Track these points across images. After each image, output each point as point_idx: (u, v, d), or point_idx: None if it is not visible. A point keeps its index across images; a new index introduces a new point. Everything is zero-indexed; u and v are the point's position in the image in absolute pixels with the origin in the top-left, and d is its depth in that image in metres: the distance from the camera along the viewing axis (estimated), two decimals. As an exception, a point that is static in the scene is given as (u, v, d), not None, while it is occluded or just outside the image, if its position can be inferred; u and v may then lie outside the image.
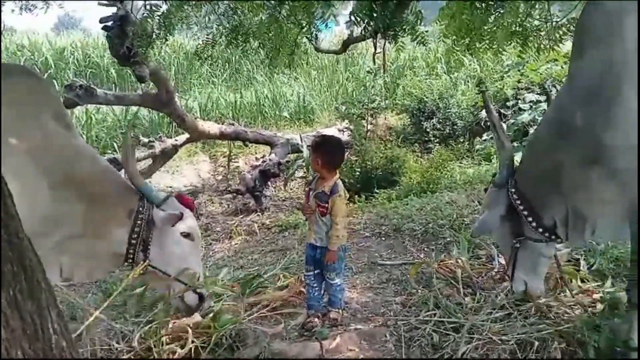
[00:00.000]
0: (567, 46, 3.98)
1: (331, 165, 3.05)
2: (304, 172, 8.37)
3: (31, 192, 2.39)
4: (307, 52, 12.15)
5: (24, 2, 6.14)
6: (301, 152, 8.16)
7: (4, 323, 1.33)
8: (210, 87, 13.22)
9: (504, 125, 7.19)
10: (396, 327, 2.94)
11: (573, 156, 2.33)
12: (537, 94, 8.16)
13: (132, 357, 2.73)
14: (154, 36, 4.96)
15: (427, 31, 4.37)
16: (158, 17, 4.81)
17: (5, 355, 1.33)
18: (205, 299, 2.89)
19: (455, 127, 9.55)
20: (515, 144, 6.90)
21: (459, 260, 3.59)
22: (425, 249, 4.30)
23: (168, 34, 4.89)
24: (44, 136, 2.56)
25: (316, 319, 3.07)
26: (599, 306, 2.88)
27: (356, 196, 6.70)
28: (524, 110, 7.98)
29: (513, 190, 2.63)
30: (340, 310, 3.16)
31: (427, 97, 9.96)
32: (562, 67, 8.00)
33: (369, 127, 9.33)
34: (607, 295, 2.88)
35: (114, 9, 5.83)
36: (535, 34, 4.20)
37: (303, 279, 3.43)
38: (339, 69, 14.14)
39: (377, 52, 4.57)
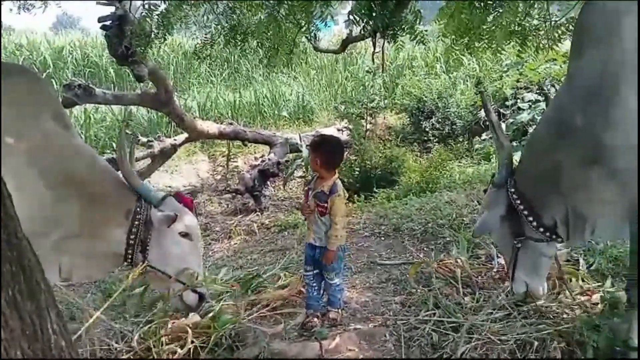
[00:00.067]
0: (566, 45, 3.97)
1: (330, 165, 3.04)
2: (303, 172, 8.37)
3: (30, 192, 2.40)
4: (306, 52, 12.16)
5: (22, 1, 6.13)
6: (300, 151, 8.16)
7: (3, 323, 1.33)
8: (209, 86, 13.21)
9: (503, 125, 7.20)
10: (395, 326, 2.94)
11: (572, 156, 2.33)
12: (536, 93, 8.16)
13: (132, 357, 2.73)
14: (153, 35, 4.94)
15: (426, 30, 4.37)
16: (156, 17, 4.80)
17: (4, 355, 1.33)
18: (205, 298, 2.89)
19: (454, 126, 9.55)
20: (514, 143, 6.92)
21: (459, 260, 3.59)
22: (425, 248, 4.30)
23: (167, 34, 4.88)
24: (43, 136, 2.56)
25: (315, 319, 3.07)
26: (599, 306, 2.88)
27: (355, 196, 6.70)
28: (523, 109, 7.98)
29: (513, 190, 2.63)
30: (340, 310, 3.16)
31: (426, 97, 9.96)
32: (561, 67, 8.00)
33: (368, 126, 9.33)
34: (606, 295, 2.88)
35: (112, 9, 5.82)
36: (534, 34, 4.20)
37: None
38: (338, 69, 14.14)
39: (376, 51, 4.56)
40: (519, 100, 8.26)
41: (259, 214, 7.43)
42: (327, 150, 3.07)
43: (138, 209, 2.69)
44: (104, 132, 10.14)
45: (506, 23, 4.10)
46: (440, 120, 9.63)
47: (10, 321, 1.35)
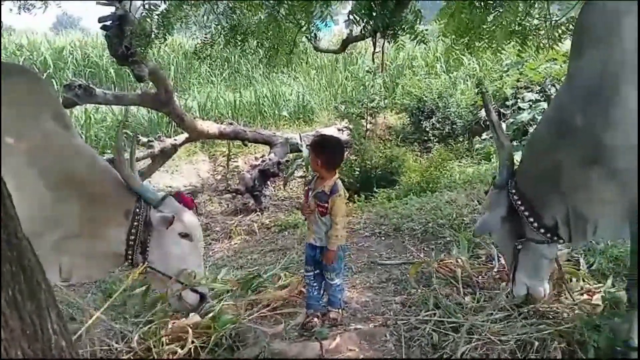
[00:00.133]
0: (566, 45, 3.97)
1: (331, 165, 3.04)
2: (304, 172, 8.37)
3: (30, 192, 2.40)
4: (306, 52, 12.15)
5: (22, 1, 6.13)
6: (300, 151, 8.16)
7: (3, 323, 1.33)
8: (209, 86, 13.21)
9: (503, 125, 7.20)
10: (396, 326, 2.94)
11: (573, 156, 2.33)
12: (537, 93, 8.16)
13: (132, 358, 2.72)
14: (153, 36, 4.94)
15: (426, 30, 4.37)
16: (157, 17, 4.80)
17: (4, 355, 1.33)
18: (206, 298, 2.89)
19: (454, 126, 9.55)
20: (514, 143, 6.92)
21: (459, 260, 3.59)
22: (425, 248, 4.30)
23: (167, 34, 4.88)
24: (43, 136, 2.56)
25: (316, 319, 3.07)
26: (600, 306, 2.88)
27: (355, 196, 6.69)
28: (523, 109, 7.98)
29: (513, 191, 2.62)
30: (340, 310, 3.16)
31: (426, 97, 9.96)
32: (562, 66, 8.00)
33: (369, 126, 9.33)
34: (607, 295, 2.88)
35: (112, 9, 5.82)
36: (534, 33, 4.20)
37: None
38: (338, 68, 14.13)
39: (376, 51, 4.56)
40: (519, 100, 8.26)
41: (259, 214, 7.43)
42: (327, 151, 3.06)
43: (137, 210, 2.69)
44: (104, 132, 10.15)
45: (506, 23, 4.09)
46: (440, 120, 9.63)
47: (11, 321, 1.35)
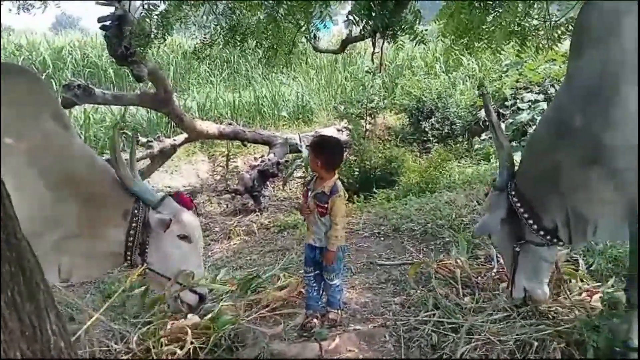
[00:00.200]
0: (565, 46, 3.97)
1: (330, 166, 3.04)
2: (303, 172, 8.36)
3: (30, 192, 2.39)
4: (305, 52, 12.14)
5: (21, 1, 6.13)
6: (300, 151, 8.15)
7: (2, 324, 1.33)
8: (208, 86, 13.21)
9: (503, 125, 7.19)
10: (395, 327, 2.94)
11: (572, 156, 2.33)
12: (536, 93, 8.16)
13: (131, 358, 2.72)
14: (152, 36, 4.94)
15: (426, 30, 4.37)
16: (156, 17, 4.80)
17: (3, 356, 1.33)
18: (205, 299, 2.89)
19: (453, 126, 9.54)
20: (514, 143, 6.92)
21: (458, 261, 3.59)
22: (424, 249, 4.30)
23: (166, 34, 4.87)
24: (43, 136, 2.56)
25: (315, 320, 3.07)
26: (599, 306, 2.88)
27: (355, 196, 6.69)
28: (523, 109, 7.97)
29: (513, 193, 2.62)
30: (339, 311, 3.16)
31: (425, 97, 9.96)
32: (561, 67, 8.01)
33: (368, 126, 9.33)
34: (606, 296, 2.88)
35: (112, 9, 5.82)
36: (533, 34, 4.20)
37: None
38: (337, 69, 14.13)
39: (375, 51, 4.56)
40: (518, 101, 8.25)
41: (259, 214, 7.42)
42: (327, 151, 3.06)
43: (135, 211, 2.68)
44: (104, 133, 10.13)
45: (506, 23, 4.10)
46: (439, 120, 9.63)
47: (10, 322, 1.35)
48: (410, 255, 4.20)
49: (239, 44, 5.10)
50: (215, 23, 5.21)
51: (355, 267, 4.07)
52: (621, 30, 2.14)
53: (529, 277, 2.73)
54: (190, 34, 14.54)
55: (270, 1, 4.55)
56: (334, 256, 3.03)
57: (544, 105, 7.63)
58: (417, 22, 4.02)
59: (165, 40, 5.07)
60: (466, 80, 10.97)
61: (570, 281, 3.17)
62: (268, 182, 8.17)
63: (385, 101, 10.55)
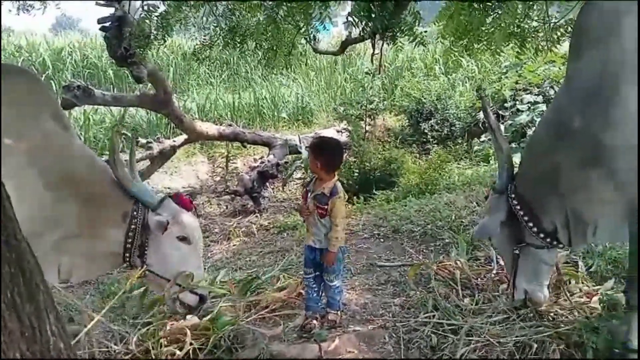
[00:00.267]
0: (565, 47, 3.98)
1: (330, 167, 3.03)
2: (303, 173, 8.36)
3: (30, 192, 2.40)
4: (305, 53, 12.14)
5: (21, 2, 6.13)
6: (299, 153, 8.16)
7: (2, 325, 1.33)
8: (208, 88, 13.22)
9: (502, 127, 7.20)
10: (395, 328, 2.94)
11: (572, 157, 2.33)
12: (535, 95, 8.17)
13: (130, 359, 2.72)
14: (152, 37, 4.94)
15: (425, 32, 4.37)
16: (156, 18, 4.80)
17: (3, 356, 1.33)
18: (205, 300, 2.88)
19: (453, 128, 9.55)
20: (513, 145, 6.92)
21: (458, 262, 3.59)
22: (424, 250, 4.30)
23: (166, 35, 4.88)
24: (43, 136, 2.56)
25: (315, 321, 3.07)
26: (598, 308, 2.88)
27: (354, 197, 6.69)
28: (522, 111, 7.98)
29: (513, 195, 2.62)
30: (339, 312, 3.15)
31: (425, 98, 9.97)
32: (560, 68, 8.01)
33: (367, 128, 9.33)
34: (605, 297, 2.88)
35: (111, 10, 5.83)
36: (533, 35, 4.21)
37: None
38: (337, 70, 14.14)
39: (375, 53, 4.57)
40: (517, 102, 8.26)
41: (258, 215, 7.42)
42: (327, 153, 3.06)
43: (134, 212, 2.68)
44: (103, 134, 10.13)
45: (505, 24, 4.10)
46: (439, 121, 9.63)
47: (9, 323, 1.35)
48: (410, 256, 4.20)
49: (238, 45, 5.11)
50: (215, 24, 5.21)
51: (355, 269, 4.07)
52: (621, 30, 2.14)
53: (529, 280, 2.72)
54: (190, 35, 14.56)
55: (270, 2, 4.55)
56: (335, 257, 3.03)
57: (543, 106, 7.63)
58: (417, 23, 4.03)
59: (165, 41, 5.07)
60: (466, 82, 10.97)
61: (570, 283, 3.17)
62: (268, 184, 8.17)
63: (385, 102, 10.56)
